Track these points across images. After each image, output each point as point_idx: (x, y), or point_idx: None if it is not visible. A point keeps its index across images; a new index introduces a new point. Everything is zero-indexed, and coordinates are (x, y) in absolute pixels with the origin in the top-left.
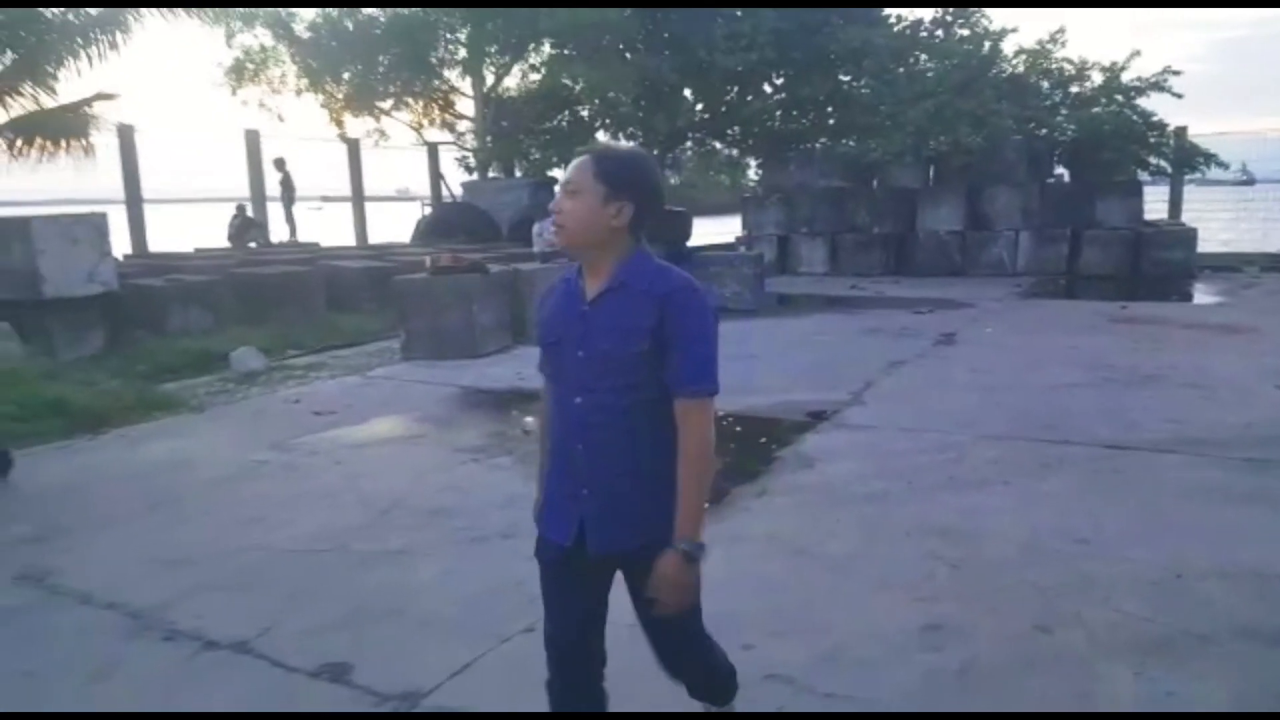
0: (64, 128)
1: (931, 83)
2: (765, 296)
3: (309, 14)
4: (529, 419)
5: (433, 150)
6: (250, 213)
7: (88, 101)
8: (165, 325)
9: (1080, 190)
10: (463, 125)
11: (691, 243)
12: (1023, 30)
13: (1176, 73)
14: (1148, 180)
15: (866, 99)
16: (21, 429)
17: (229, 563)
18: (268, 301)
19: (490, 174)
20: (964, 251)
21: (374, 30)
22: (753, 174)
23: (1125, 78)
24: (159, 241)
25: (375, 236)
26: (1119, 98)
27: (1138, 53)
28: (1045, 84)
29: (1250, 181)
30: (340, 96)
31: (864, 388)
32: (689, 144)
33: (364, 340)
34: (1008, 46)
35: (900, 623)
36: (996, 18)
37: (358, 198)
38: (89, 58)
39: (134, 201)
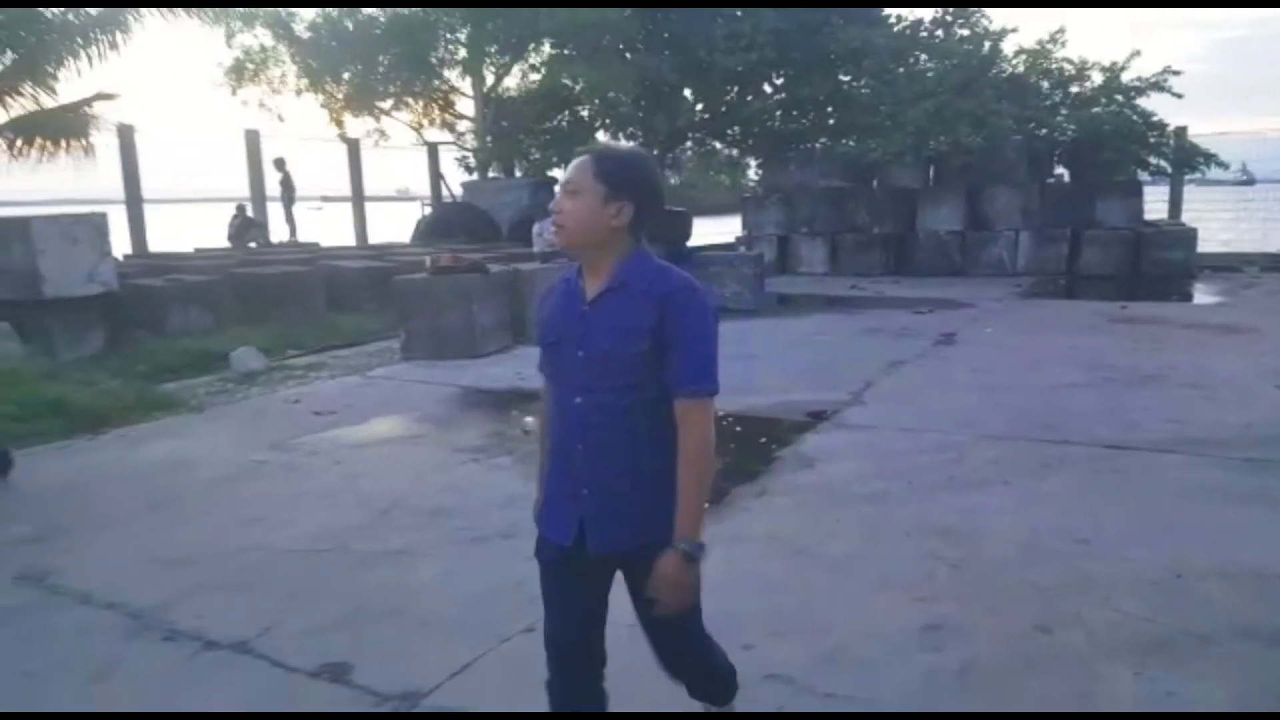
0: (64, 128)
1: (931, 83)
2: (765, 296)
3: (309, 14)
4: (529, 419)
5: (433, 150)
6: (250, 213)
7: (88, 101)
8: (165, 325)
9: (1080, 190)
10: (463, 125)
11: (692, 243)
12: (1023, 30)
13: (1176, 73)
14: (1148, 180)
15: (866, 99)
16: (22, 429)
17: (229, 563)
18: (268, 301)
19: (490, 174)
20: (964, 251)
21: (374, 30)
22: (753, 174)
23: (1125, 78)
24: (159, 241)
25: (375, 236)
26: (1119, 98)
27: (1138, 53)
28: (1045, 84)
29: (1250, 181)
30: (340, 96)
31: (864, 388)
32: (689, 144)
33: (364, 340)
34: (1008, 46)
35: (900, 623)
36: (996, 18)
37: (358, 198)
38: (89, 58)
39: (134, 201)
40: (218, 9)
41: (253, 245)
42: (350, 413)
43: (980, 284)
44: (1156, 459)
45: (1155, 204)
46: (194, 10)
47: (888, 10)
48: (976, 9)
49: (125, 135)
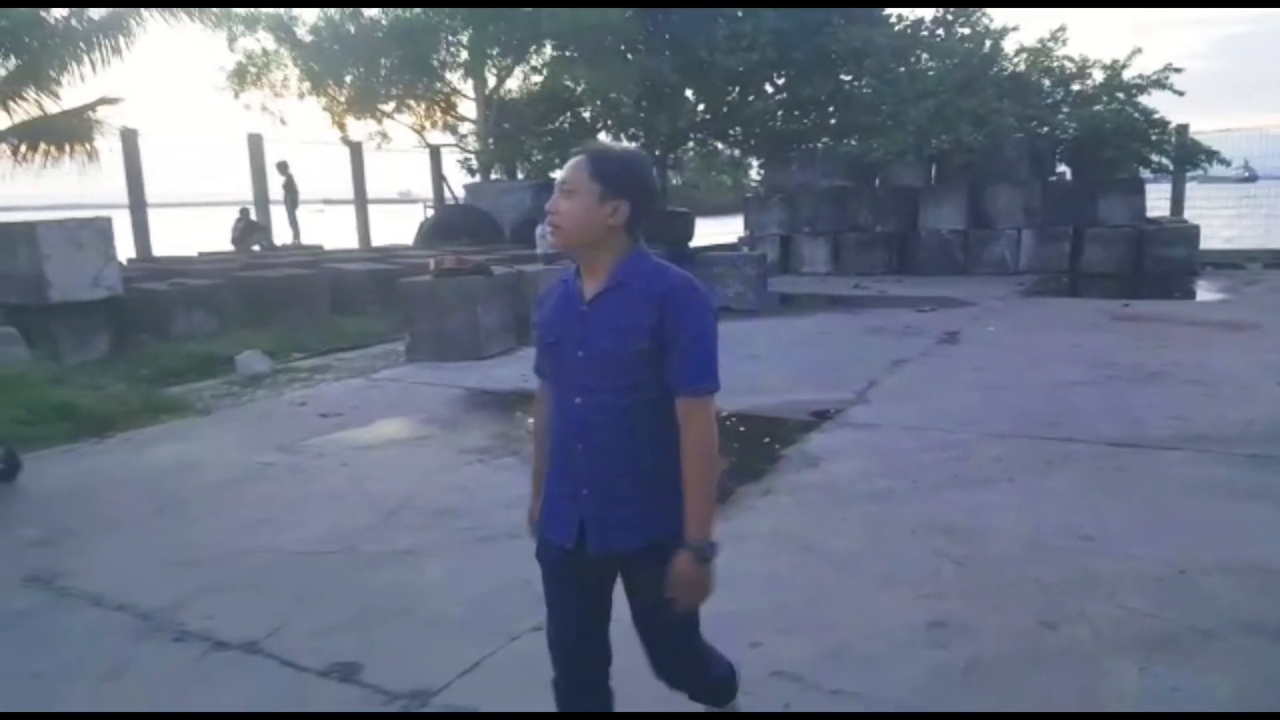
0: (68, 133)
1: (933, 82)
2: (768, 296)
3: (311, 17)
4: (532, 420)
5: (435, 152)
6: (254, 216)
7: (91, 106)
8: (170, 329)
9: (1082, 188)
10: (465, 127)
11: (694, 243)
12: (1024, 29)
13: (1178, 70)
14: (1150, 178)
15: (868, 98)
16: (28, 432)
17: (238, 564)
18: (272, 305)
19: (493, 176)
20: (966, 250)
21: (376, 33)
22: (755, 174)
23: (1127, 75)
24: (163, 245)
25: (378, 239)
26: (1120, 95)
27: (1139, 50)
28: (1046, 82)
29: (1252, 178)
30: (342, 99)
31: (868, 386)
32: (691, 144)
33: (368, 343)
34: (1009, 45)
35: (906, 619)
36: (997, 16)
37: (360, 200)
38: (92, 63)
39: (138, 206)
40: (219, 11)
41: (256, 249)
42: (356, 415)
43: (983, 282)
44: (1160, 456)
45: (1157, 201)
46: (196, 14)
47: (889, 10)
48: (977, 8)
49: (129, 140)
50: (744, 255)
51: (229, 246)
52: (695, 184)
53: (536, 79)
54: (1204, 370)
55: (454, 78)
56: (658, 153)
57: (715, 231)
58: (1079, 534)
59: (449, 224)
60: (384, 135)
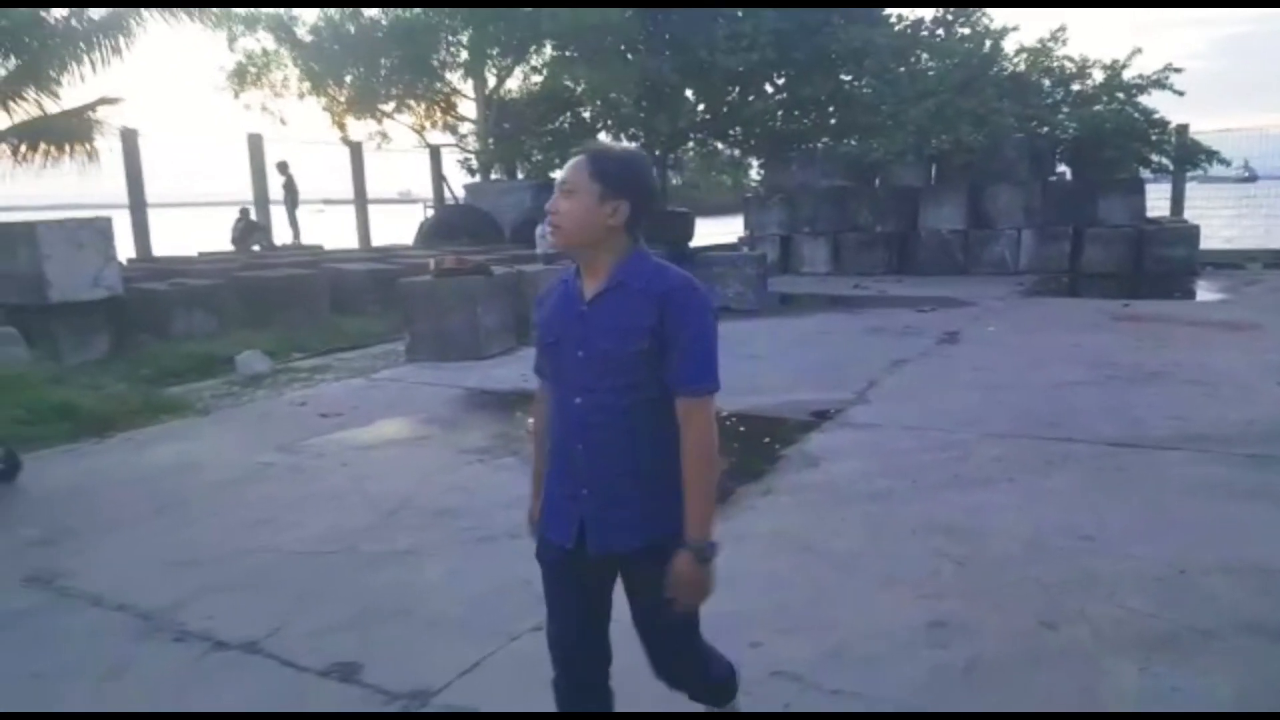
0: (68, 133)
1: (933, 82)
2: (768, 296)
3: (311, 17)
4: (532, 420)
5: (435, 152)
6: (254, 216)
7: (91, 106)
8: (170, 329)
9: (1082, 188)
10: (465, 127)
11: (694, 243)
12: (1024, 29)
13: (1178, 70)
14: (1150, 178)
15: (868, 98)
16: (28, 432)
17: (238, 564)
18: (272, 305)
19: (493, 176)
20: (966, 250)
21: (376, 33)
22: (755, 174)
23: (1126, 75)
24: (163, 246)
25: (378, 239)
26: (1120, 95)
27: (1139, 50)
28: (1046, 82)
29: (1252, 178)
30: (342, 99)
31: (868, 386)
32: (691, 145)
33: (369, 343)
34: (1009, 45)
35: (906, 619)
36: (997, 16)
37: (360, 200)
38: (92, 63)
39: (138, 206)
40: (219, 11)
41: (256, 249)
42: (356, 415)
43: (982, 282)
44: (1160, 456)
45: (1157, 201)
46: (196, 14)
47: (889, 10)
48: (977, 8)
49: (129, 140)
50: (744, 255)
51: (229, 246)
52: (695, 184)
53: (536, 79)
54: (1204, 370)
55: (454, 78)
56: (658, 153)
57: (715, 231)
58: (1079, 534)
59: (449, 224)
60: (384, 135)
